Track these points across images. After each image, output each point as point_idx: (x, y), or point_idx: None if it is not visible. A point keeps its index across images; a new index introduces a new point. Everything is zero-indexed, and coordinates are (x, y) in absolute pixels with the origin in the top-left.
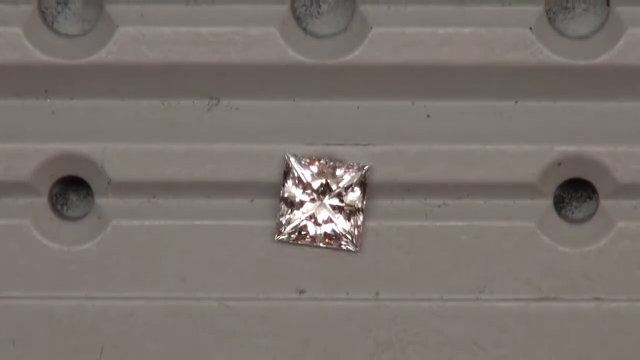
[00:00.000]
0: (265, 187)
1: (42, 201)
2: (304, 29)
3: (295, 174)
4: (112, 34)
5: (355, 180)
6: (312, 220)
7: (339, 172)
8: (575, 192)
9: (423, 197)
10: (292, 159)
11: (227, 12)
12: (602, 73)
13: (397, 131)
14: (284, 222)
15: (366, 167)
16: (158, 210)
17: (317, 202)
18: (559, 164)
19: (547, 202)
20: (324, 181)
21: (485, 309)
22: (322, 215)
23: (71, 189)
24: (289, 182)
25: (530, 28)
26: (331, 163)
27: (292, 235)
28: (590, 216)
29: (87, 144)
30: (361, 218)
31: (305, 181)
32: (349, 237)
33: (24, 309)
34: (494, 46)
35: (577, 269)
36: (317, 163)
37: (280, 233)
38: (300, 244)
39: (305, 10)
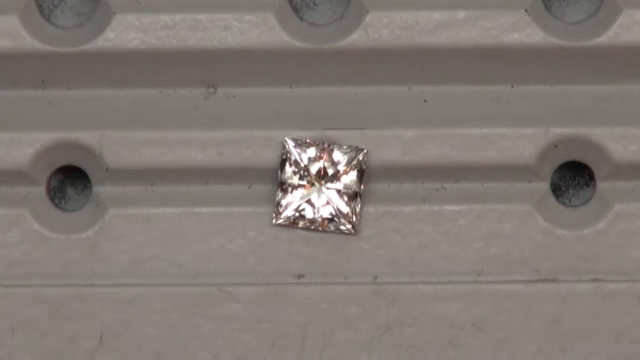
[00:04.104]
0: (263, 173)
1: (40, 190)
2: (301, 19)
3: (293, 159)
4: (109, 21)
5: (352, 164)
6: (310, 204)
7: (336, 155)
8: (572, 179)
9: (421, 181)
10: (290, 143)
11: None
12: (598, 54)
13: (394, 116)
14: (282, 207)
15: (364, 151)
16: (156, 197)
17: (315, 187)
18: (556, 146)
19: (545, 185)
20: (321, 165)
21: (483, 291)
22: (320, 200)
23: (69, 177)
24: (287, 167)
25: (526, 10)
26: (329, 147)
27: (291, 220)
28: (587, 198)
29: (85, 133)
30: (359, 202)
31: (302, 165)
32: (347, 221)
33: (22, 298)
34: (490, 29)
35: (575, 250)
36: (314, 147)
37: (278, 218)
38: (298, 229)
39: (302, 0)
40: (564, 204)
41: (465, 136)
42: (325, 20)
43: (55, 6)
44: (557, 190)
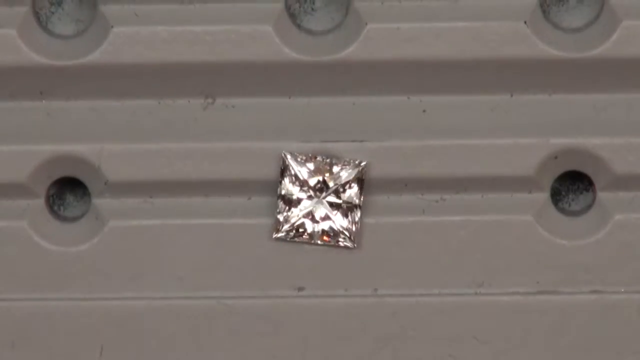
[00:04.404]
0: (262, 185)
1: (39, 203)
2: (298, 26)
3: (292, 172)
4: (107, 35)
5: (352, 177)
6: (310, 217)
7: (335, 169)
8: (572, 184)
9: (420, 193)
10: (289, 157)
11: (221, 11)
12: (597, 65)
13: (393, 127)
14: (281, 220)
15: (363, 164)
16: (155, 210)
17: (315, 200)
18: (556, 157)
19: (545, 196)
20: (321, 178)
21: (484, 303)
22: (319, 213)
23: (68, 190)
24: (286, 180)
25: (525, 22)
26: (328, 160)
27: (290, 233)
28: (587, 209)
29: (84, 145)
30: (359, 214)
31: (302, 179)
32: (346, 233)
33: (22, 311)
34: (489, 40)
35: (575, 261)
36: (313, 160)
37: (278, 231)
38: (298, 242)
39: (300, 7)
40: (563, 208)
41: (464, 147)
42: (323, 27)
43: (53, 13)
44: (556, 195)
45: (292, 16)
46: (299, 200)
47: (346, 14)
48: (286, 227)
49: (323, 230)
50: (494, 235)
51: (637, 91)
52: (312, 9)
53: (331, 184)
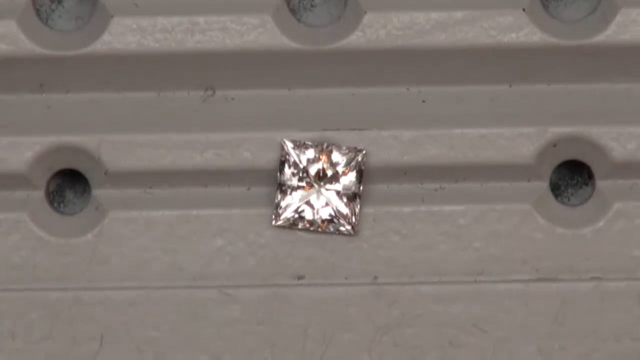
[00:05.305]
0: (262, 175)
1: (39, 194)
2: (298, 21)
3: (292, 160)
4: (107, 25)
5: (351, 165)
6: (310, 205)
7: (335, 157)
8: (570, 178)
9: (420, 181)
10: (289, 145)
11: (221, 0)
12: (596, 53)
13: (392, 117)
14: (281, 208)
15: (363, 152)
16: (155, 200)
17: (314, 188)
18: (555, 145)
19: (544, 184)
20: (320, 166)
21: (483, 291)
22: (319, 201)
23: (68, 181)
24: (286, 168)
25: (524, 9)
26: (328, 148)
27: (290, 221)
28: (586, 197)
29: (84, 136)
30: (358, 203)
31: (301, 167)
32: (346, 222)
33: (22, 302)
34: (488, 29)
35: (574, 249)
36: (313, 148)
37: (277, 219)
38: (297, 230)
39: (299, 2)
40: (562, 203)
41: (464, 136)
42: (322, 22)
43: (53, 10)
44: (556, 189)
45: (292, 12)
46: (298, 189)
47: (345, 7)
48: (286, 215)
49: (322, 219)
50: (493, 224)
51: (636, 79)
52: (312, 5)
53: (331, 172)
